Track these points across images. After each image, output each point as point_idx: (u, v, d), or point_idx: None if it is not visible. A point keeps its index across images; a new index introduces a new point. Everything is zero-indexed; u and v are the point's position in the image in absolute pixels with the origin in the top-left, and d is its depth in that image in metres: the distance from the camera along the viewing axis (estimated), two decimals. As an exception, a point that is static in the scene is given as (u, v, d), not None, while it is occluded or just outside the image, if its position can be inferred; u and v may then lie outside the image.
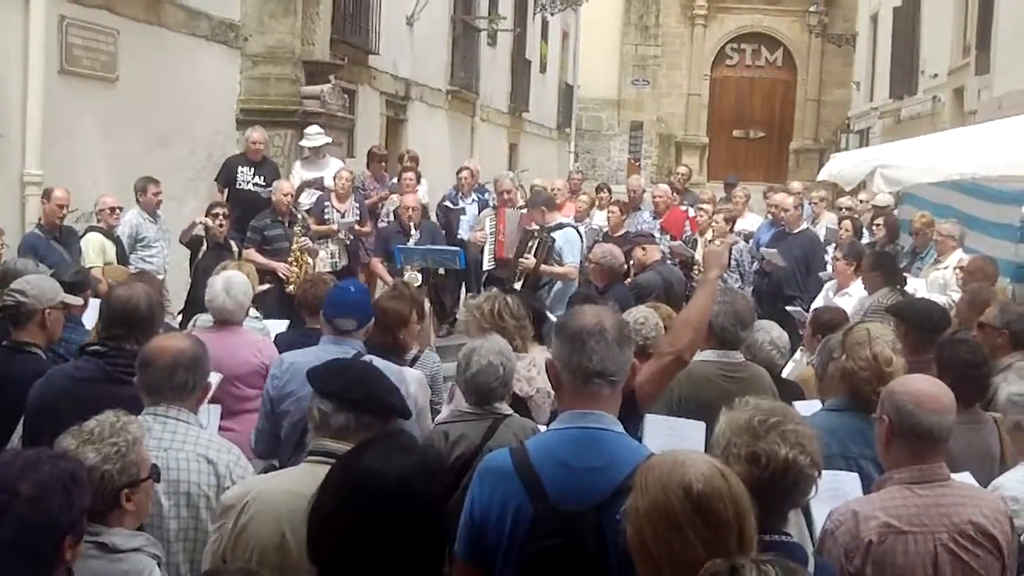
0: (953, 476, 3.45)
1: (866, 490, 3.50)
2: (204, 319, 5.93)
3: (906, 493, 3.24)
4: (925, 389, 3.35)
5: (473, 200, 12.47)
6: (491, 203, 11.99)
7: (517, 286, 9.24)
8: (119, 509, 3.04)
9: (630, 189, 12.69)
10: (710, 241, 10.38)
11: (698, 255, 10.49)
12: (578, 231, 9.87)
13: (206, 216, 9.65)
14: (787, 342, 5.84)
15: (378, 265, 10.72)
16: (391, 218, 11.53)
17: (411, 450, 2.50)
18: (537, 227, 9.50)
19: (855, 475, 3.74)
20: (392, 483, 2.36)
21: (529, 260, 9.25)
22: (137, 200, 9.56)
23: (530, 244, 9.38)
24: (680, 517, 2.27)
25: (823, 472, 3.77)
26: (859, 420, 3.93)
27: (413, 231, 10.53)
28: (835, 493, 3.49)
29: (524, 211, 10.43)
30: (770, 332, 5.72)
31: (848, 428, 3.99)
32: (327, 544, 2.39)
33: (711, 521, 2.27)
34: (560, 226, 9.65)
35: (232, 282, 5.60)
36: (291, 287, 9.26)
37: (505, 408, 4.45)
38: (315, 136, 11.73)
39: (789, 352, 5.89)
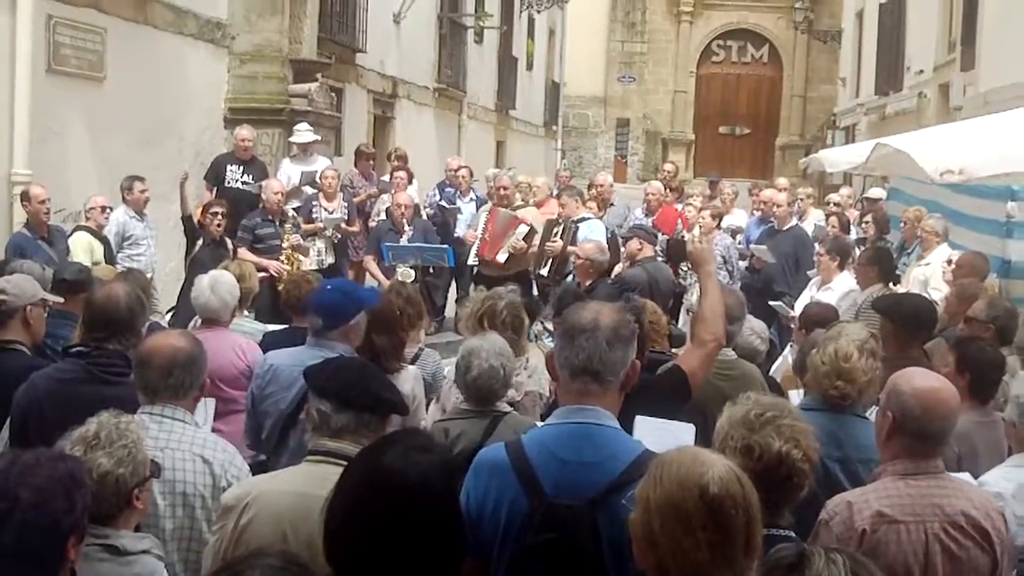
0: (953, 475, 3.46)
1: (828, 493, 3.45)
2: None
3: (900, 484, 3.27)
4: (932, 390, 3.31)
5: (471, 199, 12.51)
6: (486, 200, 12.02)
7: (544, 271, 9.71)
8: (129, 509, 3.06)
9: (596, 184, 12.73)
10: (696, 238, 10.38)
11: (690, 247, 10.53)
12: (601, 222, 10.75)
13: (203, 215, 9.62)
14: (766, 329, 5.92)
15: (371, 263, 10.75)
16: (382, 216, 11.54)
17: (431, 449, 2.47)
18: (560, 217, 10.32)
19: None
20: (413, 482, 2.34)
21: (556, 244, 10.00)
22: (124, 199, 9.53)
23: (555, 230, 10.11)
24: (692, 517, 2.27)
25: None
26: (828, 419, 3.84)
27: (406, 228, 10.59)
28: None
29: (515, 213, 10.74)
30: (750, 321, 5.76)
31: (816, 427, 3.94)
32: (344, 544, 2.35)
33: (722, 525, 2.28)
34: (584, 219, 10.42)
35: (218, 280, 5.57)
36: (283, 285, 9.23)
37: (504, 406, 4.46)
38: (303, 132, 11.75)
39: (769, 339, 5.94)
